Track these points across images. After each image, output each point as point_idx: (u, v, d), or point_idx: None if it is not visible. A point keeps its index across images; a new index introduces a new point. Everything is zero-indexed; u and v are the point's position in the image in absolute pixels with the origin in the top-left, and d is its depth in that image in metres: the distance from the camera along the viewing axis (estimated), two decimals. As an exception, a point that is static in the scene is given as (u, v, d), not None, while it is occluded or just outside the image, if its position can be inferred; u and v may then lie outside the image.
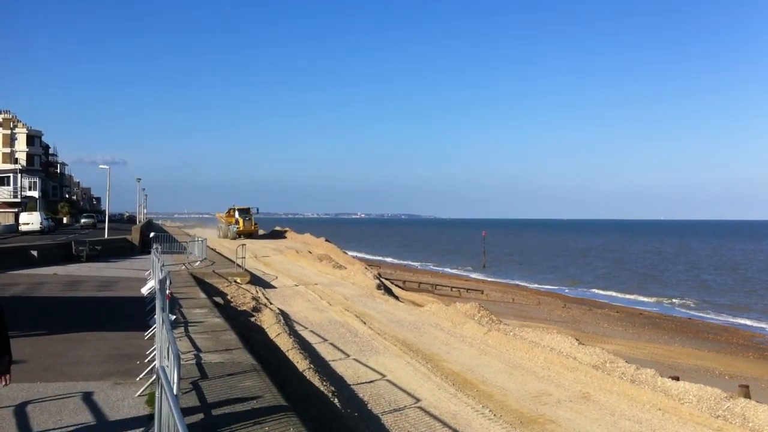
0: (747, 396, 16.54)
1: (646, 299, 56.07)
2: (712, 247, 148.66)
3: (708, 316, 47.34)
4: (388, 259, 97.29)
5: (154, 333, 12.87)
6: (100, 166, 55.59)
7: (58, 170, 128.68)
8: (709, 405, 14.72)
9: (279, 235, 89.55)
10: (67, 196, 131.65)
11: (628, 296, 58.07)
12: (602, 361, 18.76)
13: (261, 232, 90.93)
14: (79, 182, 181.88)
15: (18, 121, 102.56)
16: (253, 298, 27.65)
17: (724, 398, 14.86)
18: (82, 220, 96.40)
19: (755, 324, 43.72)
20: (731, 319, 45.68)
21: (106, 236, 49.00)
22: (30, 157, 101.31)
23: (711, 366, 26.98)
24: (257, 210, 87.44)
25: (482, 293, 51.66)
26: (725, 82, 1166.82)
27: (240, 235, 79.07)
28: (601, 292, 61.28)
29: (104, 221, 58.76)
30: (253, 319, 23.32)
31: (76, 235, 50.94)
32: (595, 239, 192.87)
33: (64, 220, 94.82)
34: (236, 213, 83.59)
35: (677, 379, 17.13)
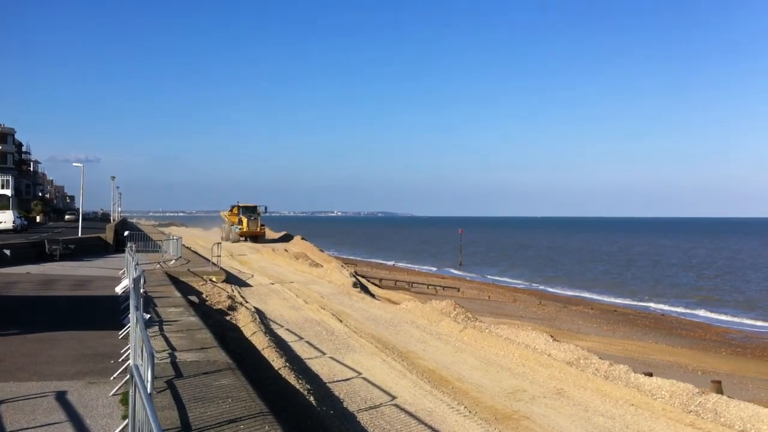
0: (719, 391, 16.74)
1: (620, 296, 56.55)
2: (686, 244, 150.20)
3: (682, 312, 47.86)
4: (365, 258, 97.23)
5: (128, 332, 12.80)
6: (74, 164, 55.40)
7: (32, 168, 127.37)
8: (682, 400, 14.89)
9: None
10: (40, 194, 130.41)
11: (602, 293, 58.52)
12: (576, 357, 18.91)
13: (276, 234, 79.94)
14: (52, 180, 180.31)
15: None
16: (229, 297, 27.55)
17: (696, 394, 15.04)
18: (66, 217, 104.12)
19: (728, 320, 44.28)
20: (705, 316, 46.22)
21: (79, 235, 48.55)
22: (2, 155, 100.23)
23: (684, 362, 27.28)
24: (265, 209, 76.06)
25: (458, 291, 51.86)
26: (706, 79, 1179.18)
27: (244, 238, 69.57)
28: (576, 289, 61.72)
29: (86, 218, 58.15)
30: (228, 318, 23.25)
31: (49, 234, 50.45)
32: (569, 237, 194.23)
33: (38, 219, 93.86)
34: (240, 212, 72.46)
35: (650, 375, 17.30)
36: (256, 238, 69.73)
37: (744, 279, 70.84)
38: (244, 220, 70.14)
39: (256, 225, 70.52)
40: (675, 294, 58.05)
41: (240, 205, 73.54)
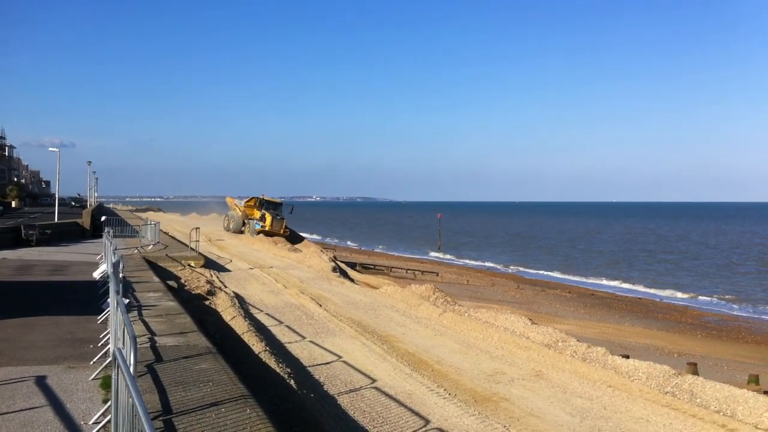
0: (695, 373, 16.97)
1: (597, 280, 57.05)
2: (661, 229, 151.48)
3: (658, 295, 48.36)
4: (344, 242, 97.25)
5: (107, 317, 12.76)
6: (50, 149, 54.56)
7: (6, 153, 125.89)
8: (658, 382, 15.07)
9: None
10: (15, 179, 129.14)
11: (580, 277, 59.00)
12: (554, 340, 19.07)
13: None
14: (27, 165, 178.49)
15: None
16: (208, 282, 27.44)
17: (672, 375, 15.23)
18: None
19: (704, 304, 44.79)
20: (681, 299, 46.72)
21: (56, 220, 48.14)
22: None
23: (660, 344, 27.60)
24: (291, 210, 67.49)
25: (437, 275, 52.02)
26: (683, 65, 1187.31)
27: (264, 236, 58.64)
28: (554, 273, 62.18)
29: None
30: (207, 303, 23.18)
31: (25, 219, 50.02)
32: (547, 221, 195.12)
33: (13, 204, 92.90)
34: (262, 207, 62.18)
35: (627, 357, 17.48)
36: (273, 237, 58.85)
37: (720, 262, 71.67)
38: (269, 218, 60.77)
39: (281, 226, 61.21)
40: (652, 277, 58.59)
41: (264, 198, 64.07)
